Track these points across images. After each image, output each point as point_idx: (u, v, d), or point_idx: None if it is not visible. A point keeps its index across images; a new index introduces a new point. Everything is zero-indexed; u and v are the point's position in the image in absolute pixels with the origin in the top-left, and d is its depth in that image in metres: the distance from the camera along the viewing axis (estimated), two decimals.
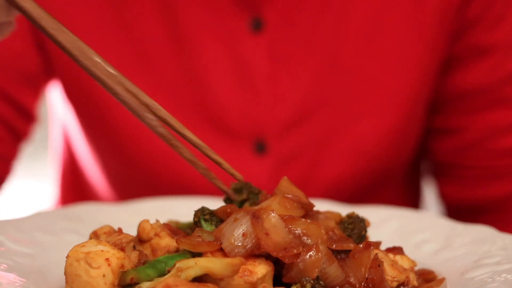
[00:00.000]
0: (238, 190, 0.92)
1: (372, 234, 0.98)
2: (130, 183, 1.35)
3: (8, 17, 0.85)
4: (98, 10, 1.26)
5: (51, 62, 1.30)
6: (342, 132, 1.29)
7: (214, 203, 0.90)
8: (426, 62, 1.30)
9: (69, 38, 0.83)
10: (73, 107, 1.33)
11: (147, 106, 0.86)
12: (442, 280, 0.89)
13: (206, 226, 0.85)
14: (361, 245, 0.85)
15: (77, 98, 1.31)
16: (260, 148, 1.29)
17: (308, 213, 0.88)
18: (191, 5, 1.25)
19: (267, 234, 0.80)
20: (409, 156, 1.38)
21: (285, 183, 0.89)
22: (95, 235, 0.90)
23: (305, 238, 0.82)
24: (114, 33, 1.26)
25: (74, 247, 0.80)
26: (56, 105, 1.45)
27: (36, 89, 1.32)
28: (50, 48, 1.28)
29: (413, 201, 1.48)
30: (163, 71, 1.27)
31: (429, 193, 1.61)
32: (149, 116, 0.85)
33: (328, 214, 0.91)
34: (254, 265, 0.80)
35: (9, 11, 0.84)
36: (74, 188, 1.47)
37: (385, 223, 1.08)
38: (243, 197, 0.91)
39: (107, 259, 0.79)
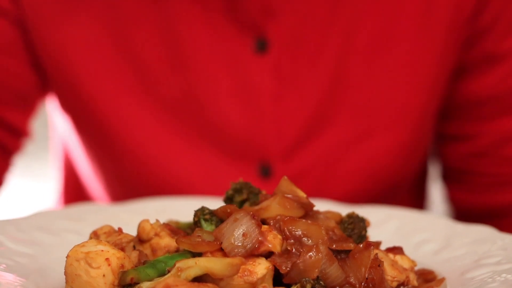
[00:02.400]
0: (238, 190, 0.92)
1: (372, 234, 0.98)
2: (129, 192, 1.34)
3: None
4: (99, 33, 1.24)
5: (46, 79, 1.29)
6: (350, 150, 1.28)
7: (214, 203, 0.90)
8: (435, 74, 1.29)
9: None
10: (70, 120, 1.32)
11: None
12: (442, 280, 0.89)
13: (206, 226, 0.85)
14: (361, 245, 0.85)
15: (74, 111, 1.30)
16: (265, 171, 1.27)
17: (308, 213, 0.88)
18: (193, 26, 1.23)
19: None
20: (417, 167, 1.38)
21: (285, 183, 0.89)
22: (95, 235, 0.90)
23: (306, 239, 0.82)
24: (116, 57, 1.25)
25: (74, 247, 0.80)
26: (55, 117, 1.44)
27: (29, 107, 1.31)
28: (46, 65, 1.27)
29: (419, 204, 1.48)
30: (166, 93, 1.25)
31: (436, 195, 1.61)
32: None
33: (328, 214, 0.91)
34: (254, 265, 0.80)
35: None
36: (75, 198, 1.46)
37: (385, 223, 1.08)
38: (243, 197, 0.91)
39: (107, 259, 0.79)
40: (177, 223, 0.95)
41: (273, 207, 0.86)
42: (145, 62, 1.25)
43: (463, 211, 1.38)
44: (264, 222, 0.85)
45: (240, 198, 0.92)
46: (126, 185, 1.32)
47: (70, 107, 1.31)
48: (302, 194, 0.88)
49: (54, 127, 1.48)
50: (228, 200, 0.93)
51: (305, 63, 1.25)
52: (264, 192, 0.92)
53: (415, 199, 1.46)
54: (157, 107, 1.25)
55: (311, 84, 1.26)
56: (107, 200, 1.37)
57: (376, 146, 1.29)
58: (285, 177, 0.90)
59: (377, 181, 1.31)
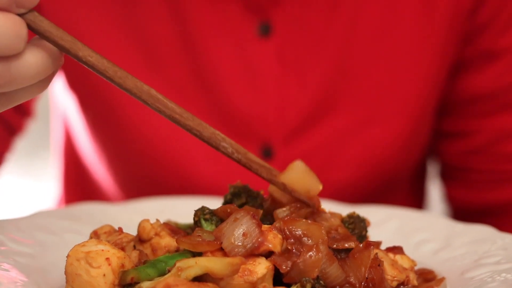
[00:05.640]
0: (236, 195, 0.91)
1: (372, 234, 0.98)
2: (134, 178, 1.34)
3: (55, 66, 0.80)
4: (108, 16, 1.26)
5: None
6: (350, 137, 1.29)
7: (214, 203, 0.91)
8: (435, 67, 1.29)
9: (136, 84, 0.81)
10: (77, 100, 1.33)
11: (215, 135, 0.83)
12: (442, 279, 0.89)
13: (206, 226, 0.85)
14: (361, 245, 0.85)
15: (81, 89, 1.31)
16: (267, 153, 1.28)
17: (313, 210, 0.89)
18: (200, 10, 1.25)
19: None
20: (417, 159, 1.38)
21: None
22: (95, 235, 0.90)
23: (306, 238, 0.83)
24: (125, 38, 1.26)
25: (74, 246, 0.80)
26: (58, 99, 1.45)
27: None
28: None
29: (418, 201, 1.48)
30: (173, 75, 1.27)
31: (434, 193, 1.61)
32: (224, 145, 0.83)
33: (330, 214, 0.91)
34: (254, 264, 0.80)
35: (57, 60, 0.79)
36: (77, 184, 1.47)
37: (385, 223, 1.08)
38: (242, 201, 0.91)
39: (107, 259, 0.79)
40: (175, 224, 0.95)
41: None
42: (152, 42, 1.26)
43: (461, 209, 1.38)
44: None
45: (239, 202, 0.91)
46: (129, 165, 1.33)
47: (77, 85, 1.31)
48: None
49: (56, 107, 1.48)
50: (228, 200, 0.93)
51: (308, 49, 1.26)
52: (262, 191, 0.92)
53: (414, 196, 1.46)
54: (163, 87, 1.26)
55: (313, 70, 1.27)
56: (109, 183, 1.37)
57: (377, 135, 1.29)
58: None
59: (377, 171, 1.31)
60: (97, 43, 1.26)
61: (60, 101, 1.44)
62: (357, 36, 1.26)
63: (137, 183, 1.34)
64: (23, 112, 1.30)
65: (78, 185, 1.47)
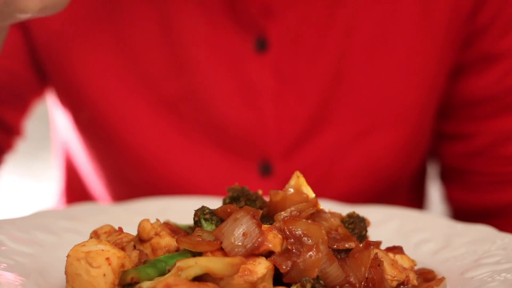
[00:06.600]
0: (235, 199, 0.91)
1: (372, 234, 0.98)
2: (130, 191, 1.33)
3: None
4: (99, 33, 1.24)
5: (45, 78, 1.29)
6: (349, 149, 1.28)
7: (214, 203, 0.90)
8: (433, 73, 1.29)
9: None
10: (71, 118, 1.32)
11: None
12: (442, 279, 0.89)
13: (206, 226, 0.85)
14: (361, 245, 0.85)
15: (74, 110, 1.30)
16: (266, 169, 1.28)
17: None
18: (193, 26, 1.23)
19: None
20: (417, 165, 1.38)
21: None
22: (95, 235, 0.90)
23: (306, 238, 0.83)
24: (115, 56, 1.25)
25: (74, 246, 0.80)
26: (56, 115, 1.44)
27: (24, 106, 1.31)
28: (46, 65, 1.27)
29: (418, 204, 1.48)
30: (167, 92, 1.26)
31: (435, 195, 1.61)
32: None
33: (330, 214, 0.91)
34: (254, 264, 0.80)
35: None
36: (77, 197, 1.46)
37: (385, 223, 1.08)
38: (241, 205, 0.90)
39: (107, 259, 0.79)
40: (175, 225, 0.95)
41: None
42: (145, 61, 1.25)
43: (461, 211, 1.38)
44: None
45: (238, 206, 0.91)
46: (126, 183, 1.32)
47: (70, 106, 1.31)
48: (311, 193, 0.89)
49: (55, 125, 1.48)
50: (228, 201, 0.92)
51: (305, 62, 1.25)
52: (260, 191, 0.92)
53: (414, 199, 1.46)
54: (157, 106, 1.25)
55: (310, 83, 1.26)
56: (108, 198, 1.37)
57: (376, 145, 1.29)
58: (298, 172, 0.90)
59: (377, 179, 1.31)
60: (87, 61, 1.25)
61: (57, 118, 1.43)
62: (353, 46, 1.25)
63: (133, 195, 1.33)
64: (11, 132, 1.30)
65: (77, 197, 1.46)
